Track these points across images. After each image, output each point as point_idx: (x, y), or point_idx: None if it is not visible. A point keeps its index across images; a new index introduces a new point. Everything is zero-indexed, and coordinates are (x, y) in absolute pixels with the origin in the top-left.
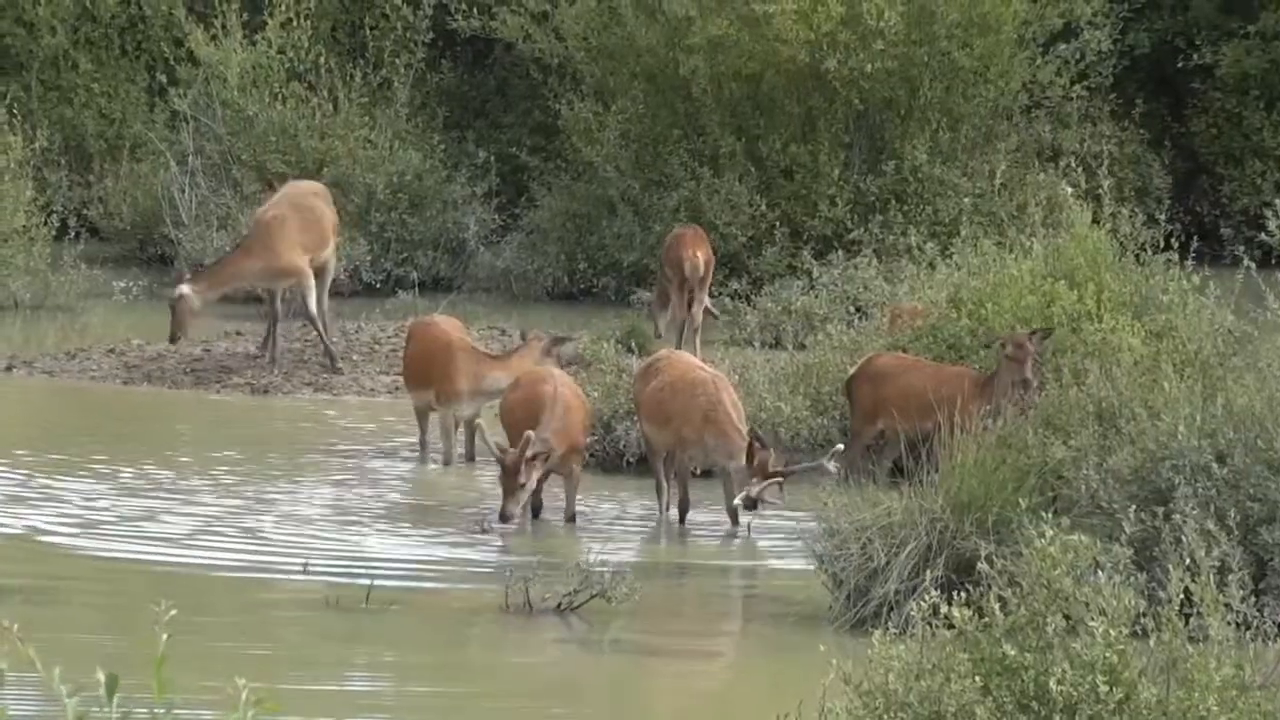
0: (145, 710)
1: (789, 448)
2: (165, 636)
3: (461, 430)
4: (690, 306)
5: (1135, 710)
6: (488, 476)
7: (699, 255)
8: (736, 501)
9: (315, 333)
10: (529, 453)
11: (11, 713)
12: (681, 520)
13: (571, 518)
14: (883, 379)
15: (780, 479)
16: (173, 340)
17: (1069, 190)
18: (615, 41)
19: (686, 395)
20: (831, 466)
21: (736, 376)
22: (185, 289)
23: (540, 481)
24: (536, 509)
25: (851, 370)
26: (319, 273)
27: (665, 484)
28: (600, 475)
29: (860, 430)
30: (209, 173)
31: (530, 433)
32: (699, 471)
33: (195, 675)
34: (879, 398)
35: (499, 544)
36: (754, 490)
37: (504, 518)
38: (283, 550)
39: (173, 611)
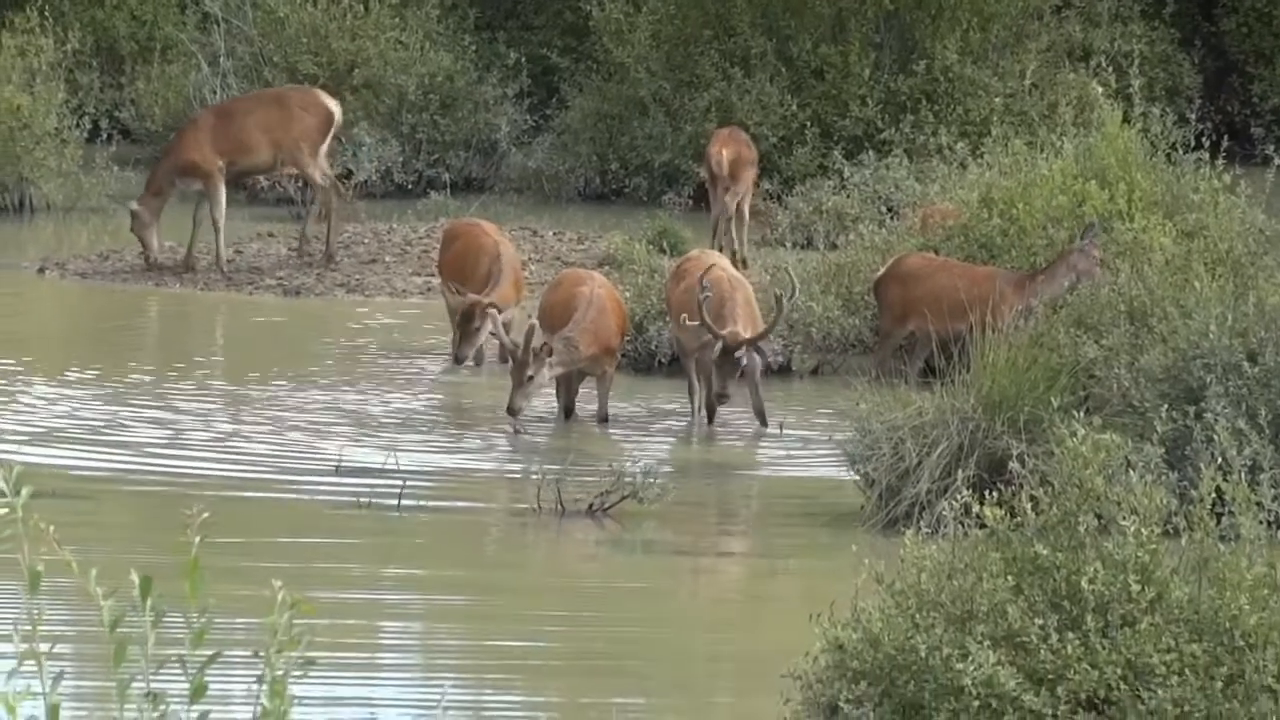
0: (179, 614)
1: (820, 347)
2: (198, 540)
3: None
4: (724, 201)
5: (1167, 609)
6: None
7: (724, 152)
8: (706, 396)
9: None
10: (534, 344)
11: (47, 617)
12: (710, 420)
13: (604, 419)
14: (913, 279)
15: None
16: (146, 264)
17: (1099, 89)
18: None
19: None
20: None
21: (768, 276)
22: (133, 204)
23: (574, 382)
24: (569, 410)
25: (880, 272)
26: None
27: (696, 384)
28: (632, 376)
29: (890, 331)
30: (240, 74)
31: (534, 322)
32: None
33: (227, 580)
34: (909, 298)
35: (530, 445)
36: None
37: (511, 410)
38: (314, 453)
39: (205, 514)
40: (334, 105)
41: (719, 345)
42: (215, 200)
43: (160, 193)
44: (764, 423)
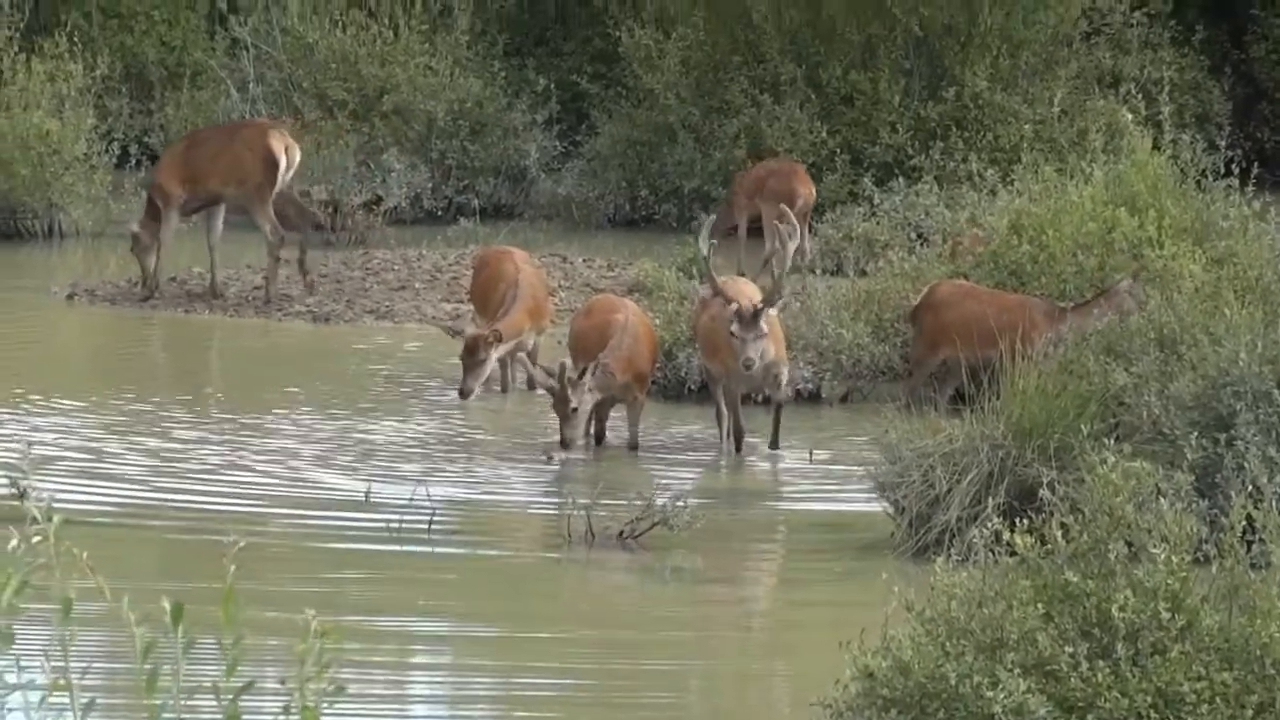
0: (212, 640)
1: (850, 374)
2: (233, 568)
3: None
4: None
5: (1197, 637)
6: (550, 404)
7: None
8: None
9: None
10: (570, 375)
11: (80, 641)
12: (738, 449)
13: (635, 446)
14: (945, 307)
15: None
16: (143, 285)
17: (1129, 116)
18: None
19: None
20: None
21: (797, 304)
22: (133, 225)
23: (605, 409)
24: (599, 437)
25: (917, 300)
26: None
27: (724, 411)
28: (662, 403)
29: (923, 359)
30: (270, 100)
31: (565, 361)
32: (759, 400)
33: (258, 606)
34: (941, 325)
35: (561, 473)
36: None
37: (565, 444)
38: (343, 480)
39: (241, 544)
40: (278, 145)
41: (735, 316)
42: (165, 222)
43: (156, 216)
44: (773, 446)
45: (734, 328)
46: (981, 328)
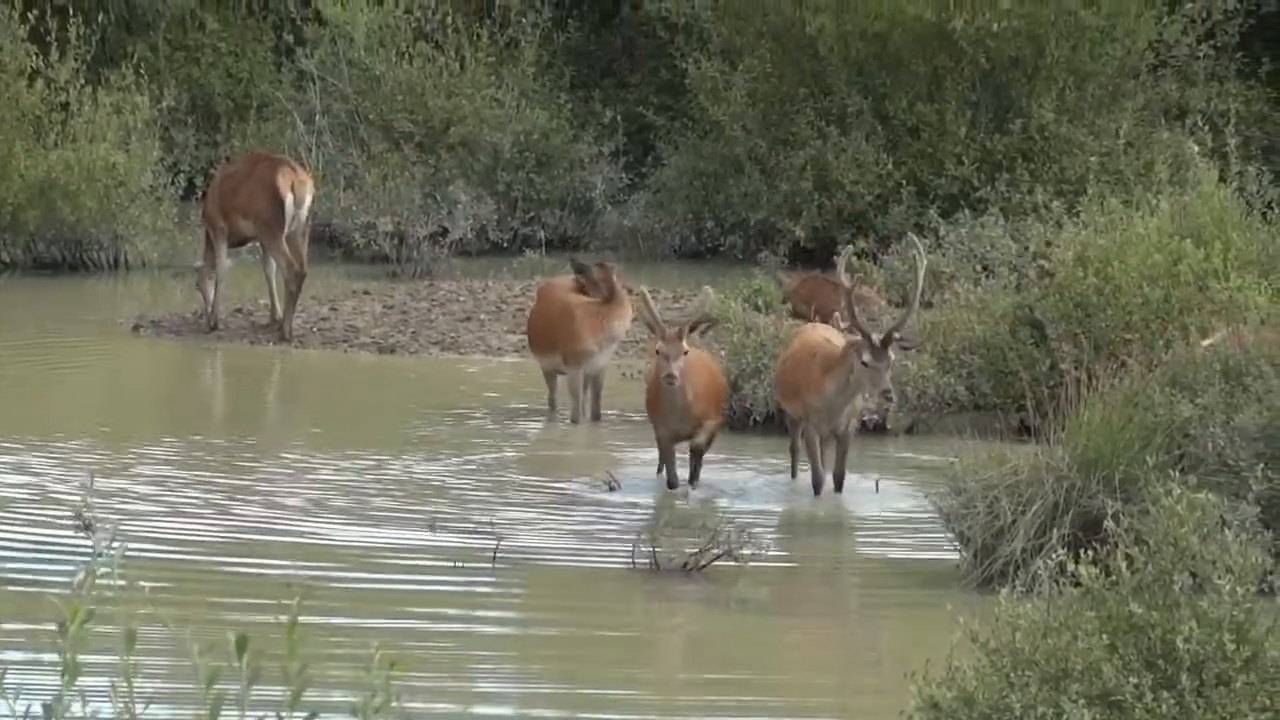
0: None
1: (915, 406)
2: (298, 600)
3: (589, 389)
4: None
5: (1262, 668)
6: (615, 435)
7: None
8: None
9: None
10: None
11: (144, 672)
12: (817, 492)
13: (693, 481)
14: None
15: None
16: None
17: (1195, 148)
18: (742, 0)
19: (804, 363)
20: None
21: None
22: (198, 260)
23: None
24: (672, 482)
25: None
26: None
27: (799, 446)
28: (727, 434)
29: None
30: (336, 132)
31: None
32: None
33: (323, 636)
34: None
35: (626, 502)
36: None
37: (671, 484)
38: (408, 511)
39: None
40: (285, 183)
41: (867, 345)
42: (216, 252)
43: (212, 247)
44: (839, 488)
45: (866, 357)
46: None
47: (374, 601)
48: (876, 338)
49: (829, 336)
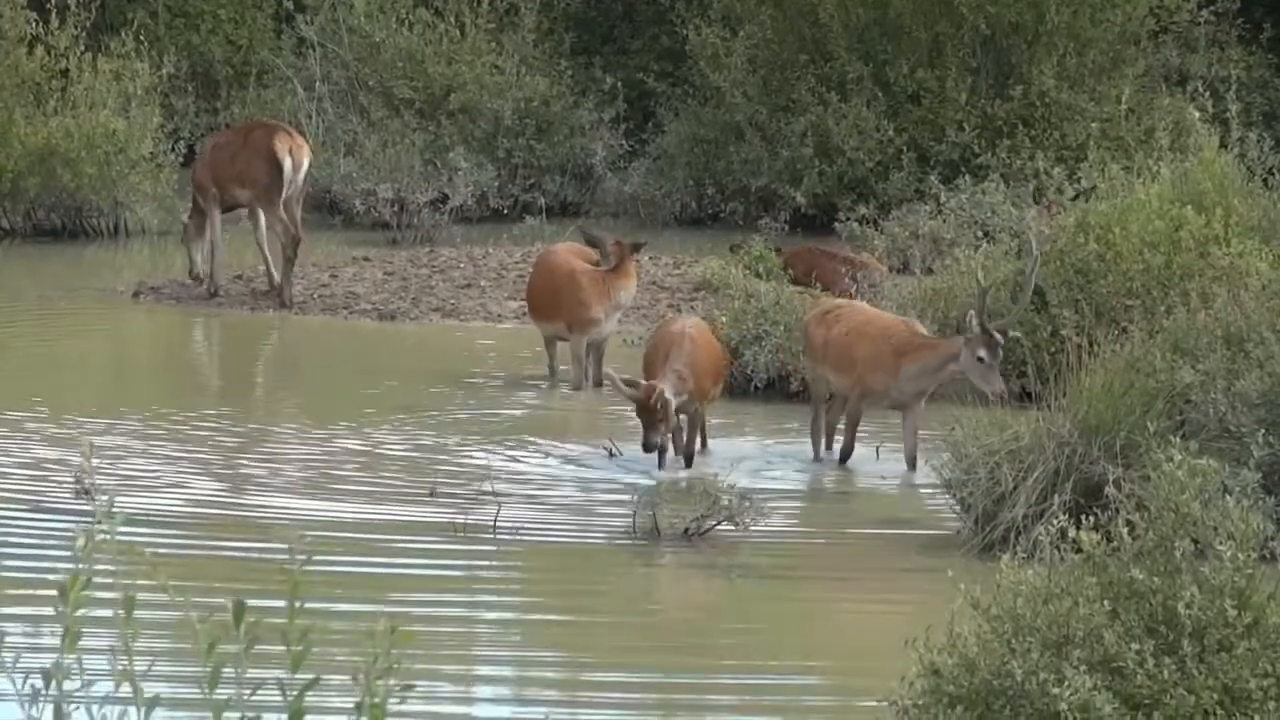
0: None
1: None
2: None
3: (590, 356)
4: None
5: (1263, 634)
6: (616, 402)
7: None
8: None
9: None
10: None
11: (143, 636)
12: (842, 462)
13: (689, 459)
14: None
15: None
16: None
17: (1196, 114)
18: None
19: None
20: None
21: (863, 300)
22: (184, 216)
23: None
24: (689, 459)
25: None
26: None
27: (819, 415)
28: (728, 401)
29: None
30: (336, 99)
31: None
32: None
33: (323, 603)
34: None
35: (627, 468)
36: None
37: (646, 447)
38: (408, 478)
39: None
40: (282, 148)
41: (983, 342)
42: (209, 219)
43: (199, 209)
44: (912, 467)
45: (983, 354)
46: None
47: (373, 568)
48: (998, 336)
49: (889, 318)
